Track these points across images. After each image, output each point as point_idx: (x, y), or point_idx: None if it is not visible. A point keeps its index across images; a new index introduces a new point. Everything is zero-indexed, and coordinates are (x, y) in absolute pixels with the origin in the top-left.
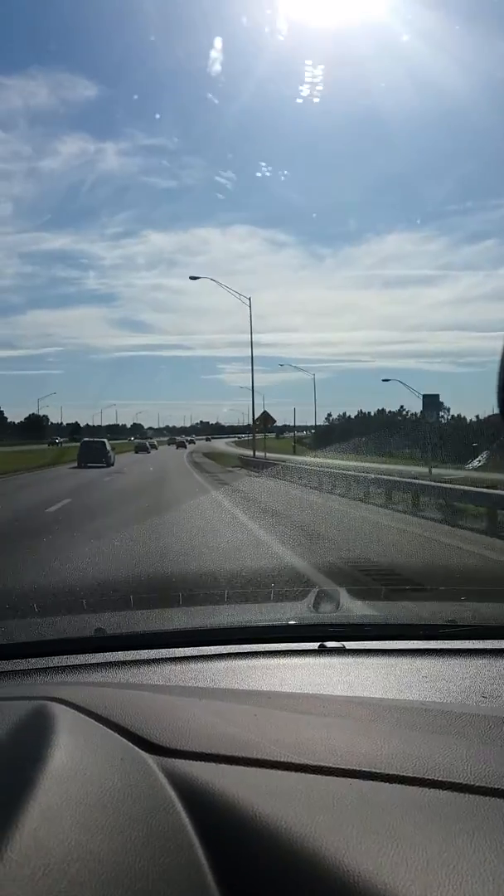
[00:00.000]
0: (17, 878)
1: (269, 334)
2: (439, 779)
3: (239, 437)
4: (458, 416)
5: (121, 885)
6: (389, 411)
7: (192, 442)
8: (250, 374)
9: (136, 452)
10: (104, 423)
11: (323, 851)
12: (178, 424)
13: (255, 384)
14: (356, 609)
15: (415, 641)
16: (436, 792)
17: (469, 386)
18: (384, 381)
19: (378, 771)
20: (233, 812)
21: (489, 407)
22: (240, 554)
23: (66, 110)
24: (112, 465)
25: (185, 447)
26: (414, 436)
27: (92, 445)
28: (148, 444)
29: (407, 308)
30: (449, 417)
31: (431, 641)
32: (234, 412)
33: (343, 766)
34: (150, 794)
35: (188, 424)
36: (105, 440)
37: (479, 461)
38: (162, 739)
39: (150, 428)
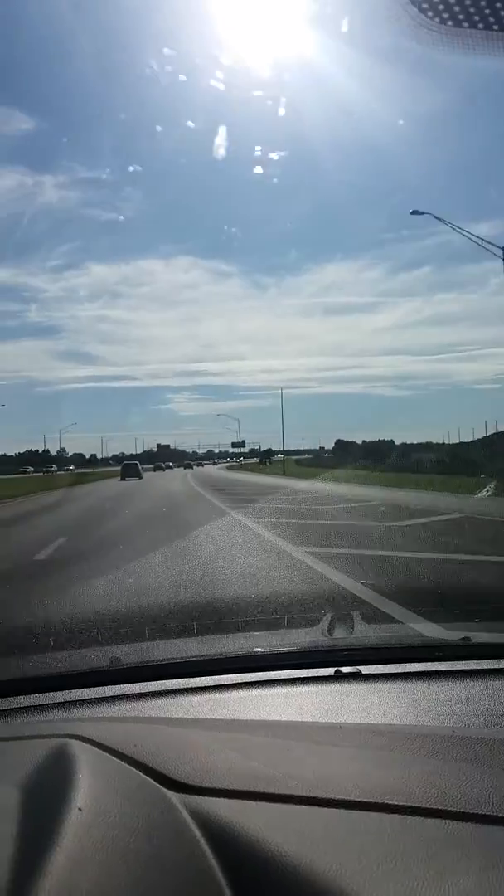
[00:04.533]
0: None
1: (217, 363)
2: (462, 810)
3: (237, 461)
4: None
5: None
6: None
7: (200, 465)
8: (201, 404)
9: (155, 471)
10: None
11: (350, 892)
12: (129, 451)
13: (205, 413)
14: (371, 632)
15: (430, 663)
16: (460, 825)
17: (412, 409)
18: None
19: (400, 804)
20: (258, 851)
21: (434, 430)
22: (253, 580)
23: (1, 143)
24: (142, 478)
25: (192, 468)
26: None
27: (130, 466)
28: (164, 466)
29: (349, 335)
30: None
31: (447, 663)
32: (188, 439)
33: (365, 800)
34: (174, 833)
35: (139, 451)
36: (137, 462)
37: (488, 491)
38: (184, 776)
39: (93, 455)
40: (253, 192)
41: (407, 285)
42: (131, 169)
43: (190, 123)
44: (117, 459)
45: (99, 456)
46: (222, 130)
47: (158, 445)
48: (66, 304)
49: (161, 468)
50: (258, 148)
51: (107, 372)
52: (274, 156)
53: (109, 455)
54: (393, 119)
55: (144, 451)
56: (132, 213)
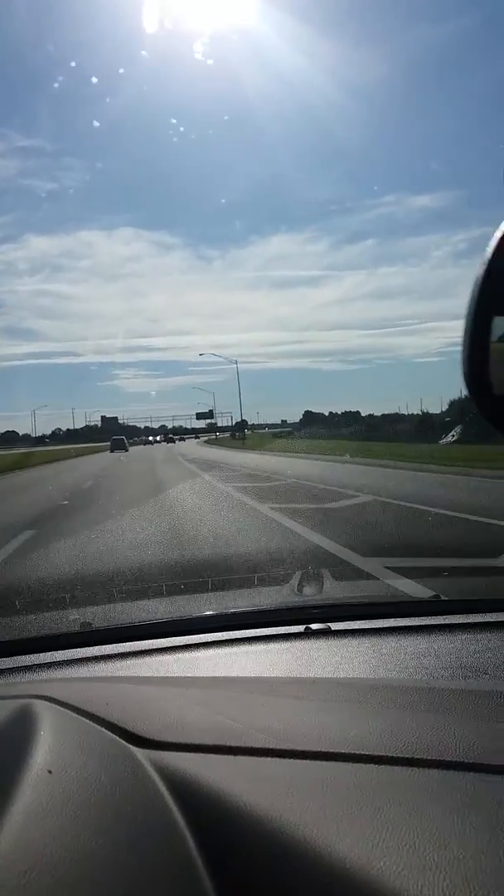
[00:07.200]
0: (4, 880)
1: (163, 338)
2: (429, 758)
3: (216, 436)
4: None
5: (112, 883)
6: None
7: (182, 440)
8: (148, 380)
9: (144, 445)
10: None
11: (315, 839)
12: (66, 426)
13: (150, 389)
14: (340, 589)
15: (399, 619)
16: (426, 771)
17: (358, 383)
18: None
19: (367, 753)
20: (223, 803)
21: (382, 403)
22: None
23: None
24: (127, 451)
25: (174, 442)
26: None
27: (117, 440)
28: (152, 440)
29: (295, 309)
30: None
31: (416, 618)
32: (136, 413)
33: (332, 751)
34: (138, 788)
35: (80, 426)
36: (124, 438)
37: (454, 436)
38: (149, 732)
39: (27, 434)
40: (195, 162)
41: (351, 258)
42: (70, 137)
43: (131, 91)
44: (55, 436)
45: (33, 435)
46: (165, 98)
47: (103, 418)
48: (5, 277)
49: (150, 442)
50: (201, 118)
51: (48, 348)
52: (217, 126)
53: (48, 433)
54: (337, 90)
55: (86, 426)
56: (72, 182)
